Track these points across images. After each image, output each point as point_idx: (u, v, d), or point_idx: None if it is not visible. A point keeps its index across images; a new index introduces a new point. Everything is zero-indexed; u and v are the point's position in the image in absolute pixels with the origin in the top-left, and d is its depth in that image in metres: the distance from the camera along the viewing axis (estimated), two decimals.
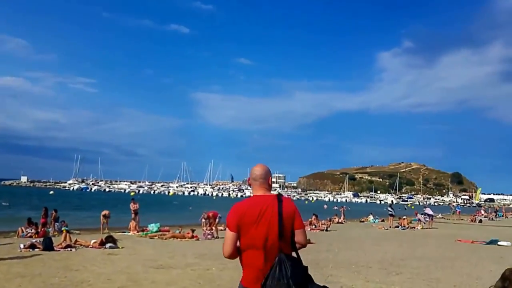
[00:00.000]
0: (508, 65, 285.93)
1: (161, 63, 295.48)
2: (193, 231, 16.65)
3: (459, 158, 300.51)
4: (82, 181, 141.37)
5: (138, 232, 17.85)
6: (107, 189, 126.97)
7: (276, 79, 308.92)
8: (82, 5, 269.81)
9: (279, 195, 2.94)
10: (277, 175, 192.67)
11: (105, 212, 19.25)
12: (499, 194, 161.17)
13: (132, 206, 19.73)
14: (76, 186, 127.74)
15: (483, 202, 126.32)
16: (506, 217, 46.24)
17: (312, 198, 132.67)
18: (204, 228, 18.11)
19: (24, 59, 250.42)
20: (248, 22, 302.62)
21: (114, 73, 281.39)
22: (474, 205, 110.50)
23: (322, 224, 23.83)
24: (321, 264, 10.30)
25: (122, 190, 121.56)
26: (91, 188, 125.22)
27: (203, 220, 18.92)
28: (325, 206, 67.51)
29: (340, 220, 30.24)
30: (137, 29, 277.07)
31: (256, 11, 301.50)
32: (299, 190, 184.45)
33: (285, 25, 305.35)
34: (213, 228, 17.47)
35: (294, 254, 2.79)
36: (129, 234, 17.52)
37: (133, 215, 19.44)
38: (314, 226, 23.13)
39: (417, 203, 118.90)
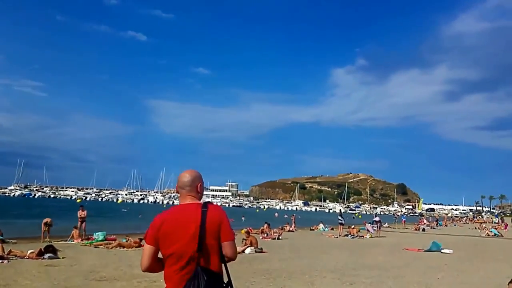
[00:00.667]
0: (451, 85, 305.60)
1: (116, 69, 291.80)
2: (141, 240, 15.88)
3: (403, 170, 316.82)
4: (25, 187, 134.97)
5: (82, 240, 16.92)
6: (52, 196, 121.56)
7: (233, 89, 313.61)
8: (36, 8, 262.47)
9: (206, 203, 2.67)
10: (230, 183, 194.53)
11: (47, 219, 18.09)
12: (438, 204, 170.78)
13: (80, 213, 18.76)
14: (18, 192, 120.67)
15: (425, 212, 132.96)
16: (445, 225, 48.91)
17: (264, 206, 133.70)
18: None
19: None
20: (209, 32, 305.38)
21: (65, 78, 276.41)
22: (417, 214, 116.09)
23: (274, 233, 23.70)
24: (274, 274, 10.04)
25: (69, 197, 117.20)
26: (35, 195, 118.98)
27: None
28: (276, 214, 67.93)
29: (291, 229, 30.34)
30: (93, 34, 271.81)
31: (216, 22, 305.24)
32: (251, 198, 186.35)
33: (244, 37, 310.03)
34: None
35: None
36: (73, 243, 16.56)
37: (79, 223, 18.47)
38: (266, 235, 22.96)
39: (364, 212, 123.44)
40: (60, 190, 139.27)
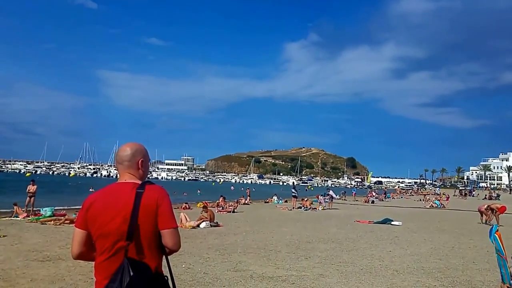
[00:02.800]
0: (398, 63, 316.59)
1: (65, 38, 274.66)
2: None
3: (353, 145, 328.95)
4: None
5: (29, 216, 15.98)
6: None
7: (187, 61, 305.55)
8: None
9: (144, 183, 2.27)
10: (185, 157, 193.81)
11: None
12: (386, 177, 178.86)
13: (29, 188, 17.56)
14: None
15: (373, 185, 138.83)
16: (393, 198, 51.11)
17: (220, 180, 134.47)
18: None
19: None
20: (162, 2, 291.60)
21: (8, 45, 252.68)
22: (366, 187, 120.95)
23: (229, 206, 23.59)
24: (229, 249, 9.85)
25: (17, 171, 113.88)
26: None
27: None
28: (232, 187, 68.34)
29: (246, 202, 30.43)
30: (39, 1, 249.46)
31: None
32: (207, 172, 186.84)
33: (198, 7, 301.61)
34: None
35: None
36: (18, 219, 15.59)
37: (27, 198, 17.35)
38: (221, 208, 22.80)
39: (316, 185, 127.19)
40: (7, 164, 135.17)
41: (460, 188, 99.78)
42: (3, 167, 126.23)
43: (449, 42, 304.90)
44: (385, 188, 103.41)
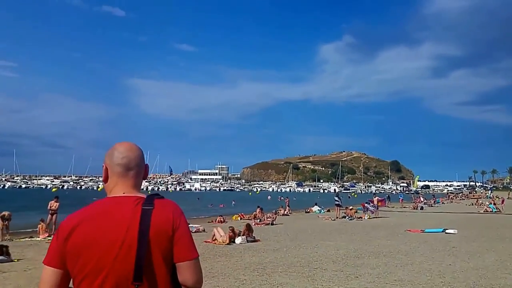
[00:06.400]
0: (437, 61, 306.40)
1: (92, 47, 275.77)
2: None
3: (396, 147, 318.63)
4: None
5: (50, 236, 14.82)
6: (24, 186, 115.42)
7: (219, 66, 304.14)
8: None
9: (151, 197, 1.54)
10: (219, 166, 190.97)
11: (4, 213, 15.53)
12: (432, 181, 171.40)
13: (51, 205, 16.81)
14: None
15: (420, 189, 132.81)
16: (442, 203, 48.26)
17: (257, 189, 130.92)
18: None
19: None
20: (192, 7, 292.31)
21: (36, 57, 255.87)
22: (413, 192, 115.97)
23: (267, 218, 22.66)
24: (268, 268, 8.96)
25: (43, 186, 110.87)
26: (4, 185, 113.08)
27: None
28: (269, 197, 66.99)
29: (285, 212, 29.41)
30: (63, 8, 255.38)
31: None
32: (243, 181, 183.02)
33: (230, 12, 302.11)
34: None
35: None
36: (38, 239, 14.66)
37: (49, 216, 16.57)
38: (259, 220, 21.89)
39: (359, 192, 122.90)
40: (33, 179, 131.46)
41: None
42: (29, 182, 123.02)
43: (488, 38, 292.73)
44: (433, 192, 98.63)
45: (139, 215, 1.46)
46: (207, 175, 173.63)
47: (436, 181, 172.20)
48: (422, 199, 44.93)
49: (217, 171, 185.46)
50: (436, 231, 16.12)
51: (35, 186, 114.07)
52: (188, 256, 1.51)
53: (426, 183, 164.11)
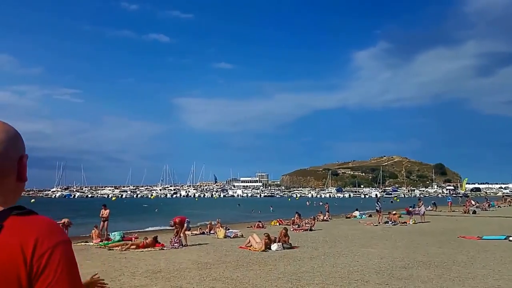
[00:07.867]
0: (482, 59, 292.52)
1: (142, 72, 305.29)
2: (155, 238, 14.10)
3: (439, 149, 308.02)
4: (66, 188, 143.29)
5: (102, 241, 15.31)
6: (90, 195, 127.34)
7: (256, 81, 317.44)
8: (65, 19, 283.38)
9: (7, 211, 0.95)
10: (259, 174, 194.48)
11: (64, 220, 15.84)
12: (483, 183, 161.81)
13: (102, 213, 17.55)
14: (58, 194, 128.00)
15: (470, 192, 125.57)
16: (498, 206, 44.58)
17: (296, 195, 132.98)
18: (172, 237, 15.48)
19: (10, 73, 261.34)
20: (226, 27, 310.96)
21: (97, 83, 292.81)
22: (461, 195, 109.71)
23: (305, 224, 21.37)
24: (303, 279, 7.82)
25: (106, 196, 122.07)
26: (75, 195, 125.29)
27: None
28: (308, 202, 65.46)
29: (325, 218, 27.97)
30: (117, 40, 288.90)
31: (233, 15, 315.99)
32: (283, 187, 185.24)
33: (262, 27, 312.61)
34: (181, 235, 14.85)
35: None
36: (91, 244, 15.15)
37: (101, 223, 17.26)
38: (297, 226, 20.62)
39: (402, 196, 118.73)
40: (98, 190, 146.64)
41: None
42: (94, 192, 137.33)
43: None
44: (486, 195, 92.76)
45: None
46: (248, 182, 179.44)
47: (488, 184, 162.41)
48: (472, 202, 41.66)
49: (257, 178, 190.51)
50: (497, 238, 14.23)
51: (99, 195, 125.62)
52: None
53: (476, 185, 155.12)
